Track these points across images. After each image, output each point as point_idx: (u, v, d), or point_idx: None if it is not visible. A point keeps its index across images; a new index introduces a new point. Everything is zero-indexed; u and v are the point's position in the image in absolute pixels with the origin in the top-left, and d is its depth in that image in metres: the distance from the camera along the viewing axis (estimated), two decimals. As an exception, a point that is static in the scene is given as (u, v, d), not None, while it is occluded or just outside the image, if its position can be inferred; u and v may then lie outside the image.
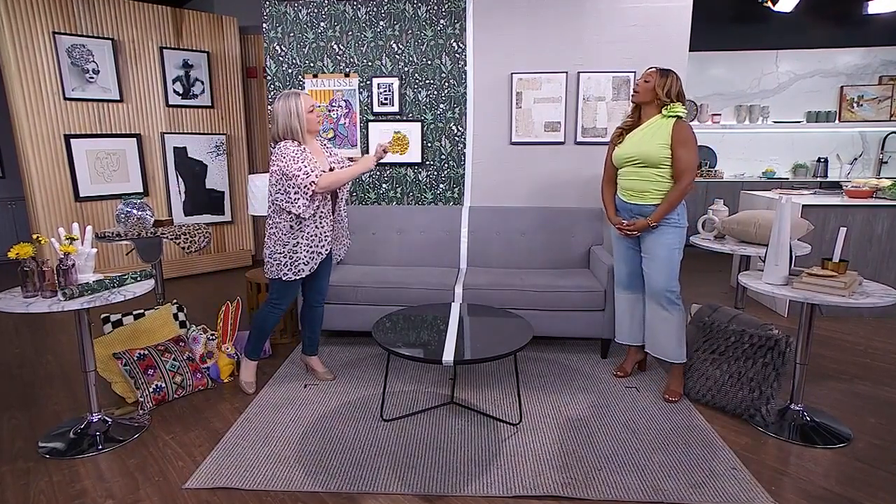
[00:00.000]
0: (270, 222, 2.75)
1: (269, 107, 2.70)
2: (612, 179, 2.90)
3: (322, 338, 3.64)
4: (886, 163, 6.45)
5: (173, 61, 5.04)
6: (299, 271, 2.75)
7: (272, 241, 2.74)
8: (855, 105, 6.33)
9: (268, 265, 2.78)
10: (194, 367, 2.89)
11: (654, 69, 2.70)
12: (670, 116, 2.64)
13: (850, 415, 2.65)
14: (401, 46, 3.83)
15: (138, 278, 2.51)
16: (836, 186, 5.56)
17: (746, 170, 6.60)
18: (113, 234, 3.31)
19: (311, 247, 2.75)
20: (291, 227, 2.70)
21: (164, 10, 4.96)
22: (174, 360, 2.82)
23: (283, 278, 2.75)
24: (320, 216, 2.74)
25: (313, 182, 2.59)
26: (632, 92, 2.77)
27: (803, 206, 3.93)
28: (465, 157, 3.91)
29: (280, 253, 2.72)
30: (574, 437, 2.44)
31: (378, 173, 3.98)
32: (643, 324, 2.97)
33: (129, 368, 2.68)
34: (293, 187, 2.59)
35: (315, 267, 2.79)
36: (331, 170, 2.75)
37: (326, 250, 2.82)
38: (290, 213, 2.66)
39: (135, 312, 3.02)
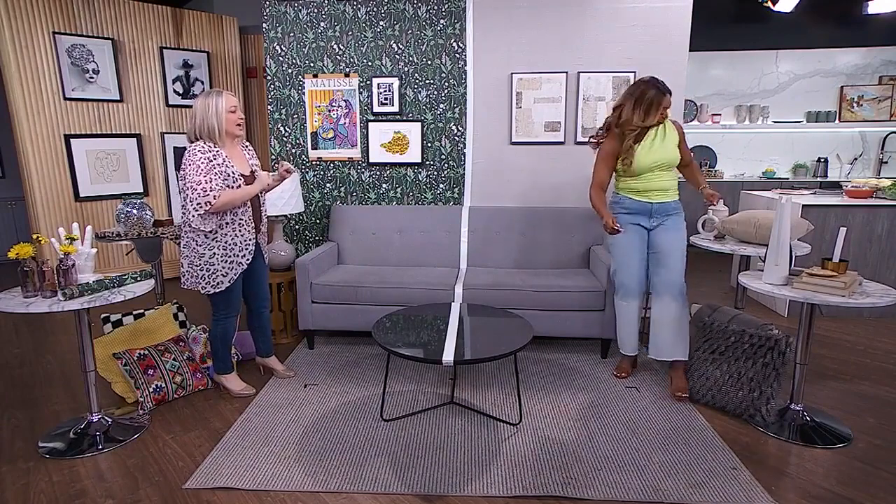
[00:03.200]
0: (186, 229, 2.56)
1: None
2: (604, 185, 2.88)
3: (322, 337, 3.64)
4: (886, 163, 6.44)
5: (173, 61, 5.04)
6: (218, 284, 2.60)
7: (188, 250, 2.57)
8: (855, 105, 6.33)
9: (185, 277, 2.61)
10: (194, 368, 2.89)
11: (669, 94, 2.72)
12: (668, 119, 2.81)
13: (850, 415, 2.65)
14: (401, 46, 3.83)
15: (138, 278, 2.51)
16: (836, 186, 5.55)
17: (746, 170, 6.60)
18: (113, 234, 3.31)
19: (228, 257, 2.60)
20: (206, 235, 2.54)
21: (164, 10, 4.96)
22: (174, 360, 2.82)
23: (202, 291, 2.60)
24: (240, 223, 2.61)
25: (209, 202, 2.43)
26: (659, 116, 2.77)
27: (803, 206, 3.93)
28: (465, 157, 3.91)
29: (197, 265, 2.57)
30: (574, 437, 2.44)
31: (378, 173, 3.98)
32: (641, 330, 3.02)
33: (129, 368, 2.68)
34: (189, 200, 2.44)
35: (235, 277, 2.64)
36: (251, 173, 2.64)
37: (247, 260, 2.68)
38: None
39: (135, 312, 3.03)
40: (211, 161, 2.47)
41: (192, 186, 2.42)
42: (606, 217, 2.76)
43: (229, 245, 2.60)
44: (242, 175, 2.58)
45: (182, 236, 2.59)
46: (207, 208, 2.45)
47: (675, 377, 2.86)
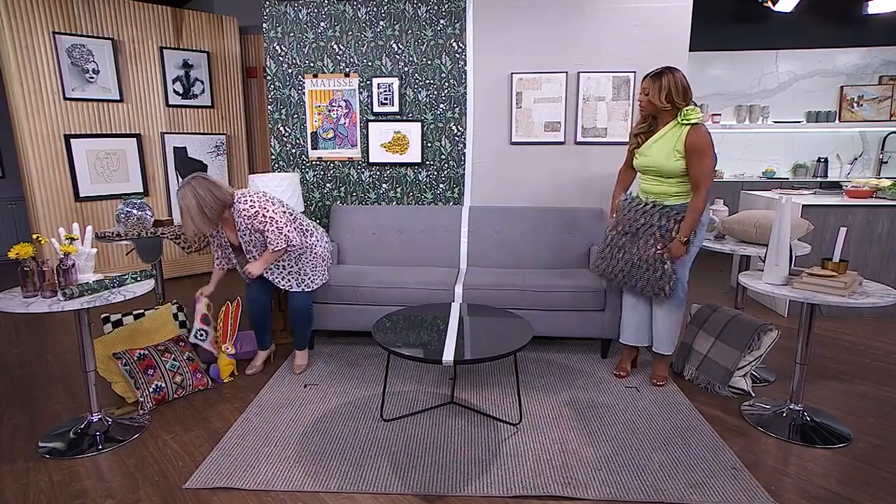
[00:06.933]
0: (304, 247, 3.05)
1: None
2: (627, 175, 2.98)
3: (322, 338, 3.64)
4: (886, 163, 6.44)
5: (173, 61, 5.04)
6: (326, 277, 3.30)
7: (313, 260, 3.11)
8: (855, 105, 6.33)
9: (316, 279, 3.12)
10: (194, 367, 2.89)
11: (647, 77, 2.66)
12: (684, 124, 2.60)
13: (850, 415, 2.65)
14: (401, 46, 3.83)
15: (138, 278, 2.51)
16: (836, 186, 5.55)
17: (746, 170, 6.60)
18: (113, 234, 3.31)
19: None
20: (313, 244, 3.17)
21: (164, 9, 4.96)
22: (174, 360, 2.83)
23: (322, 283, 3.21)
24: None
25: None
26: (637, 104, 2.80)
27: (803, 206, 3.93)
28: (465, 157, 3.91)
29: (320, 265, 3.16)
30: (574, 437, 2.44)
31: (378, 173, 3.98)
32: (649, 323, 3.00)
33: (129, 368, 2.68)
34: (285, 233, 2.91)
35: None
36: (237, 245, 3.02)
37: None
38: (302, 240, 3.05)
39: (135, 312, 3.03)
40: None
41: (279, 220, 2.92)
42: (612, 204, 2.95)
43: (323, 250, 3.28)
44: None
45: (301, 255, 3.06)
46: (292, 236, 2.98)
47: (658, 366, 2.98)
